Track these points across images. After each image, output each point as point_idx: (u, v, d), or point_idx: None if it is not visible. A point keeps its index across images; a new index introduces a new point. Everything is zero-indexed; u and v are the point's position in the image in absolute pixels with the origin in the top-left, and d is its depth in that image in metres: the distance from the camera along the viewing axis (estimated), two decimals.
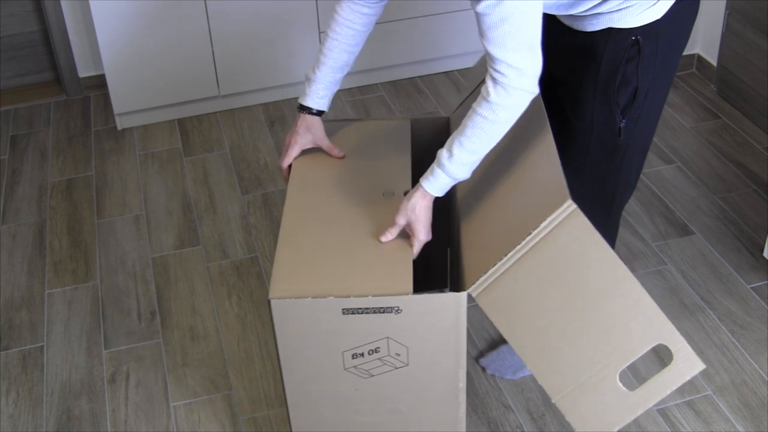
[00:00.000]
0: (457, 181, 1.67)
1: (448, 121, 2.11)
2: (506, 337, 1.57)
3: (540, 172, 1.63)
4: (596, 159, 1.85)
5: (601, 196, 1.93)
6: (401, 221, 1.68)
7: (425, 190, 1.67)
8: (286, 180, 1.93)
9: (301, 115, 1.90)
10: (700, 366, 1.50)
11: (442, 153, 1.64)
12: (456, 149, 1.62)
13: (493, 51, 1.52)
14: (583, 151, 1.83)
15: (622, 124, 1.78)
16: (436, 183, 1.66)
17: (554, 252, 1.50)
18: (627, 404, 1.53)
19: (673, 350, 1.50)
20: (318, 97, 1.88)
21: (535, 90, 1.58)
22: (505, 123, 1.59)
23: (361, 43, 1.85)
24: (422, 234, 1.68)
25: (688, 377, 1.51)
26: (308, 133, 1.92)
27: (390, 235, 1.70)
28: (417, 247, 1.69)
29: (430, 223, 1.70)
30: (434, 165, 1.65)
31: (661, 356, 2.25)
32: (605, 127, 1.80)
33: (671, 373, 1.51)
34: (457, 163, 1.62)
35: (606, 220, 1.99)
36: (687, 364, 1.50)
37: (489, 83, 1.56)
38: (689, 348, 1.50)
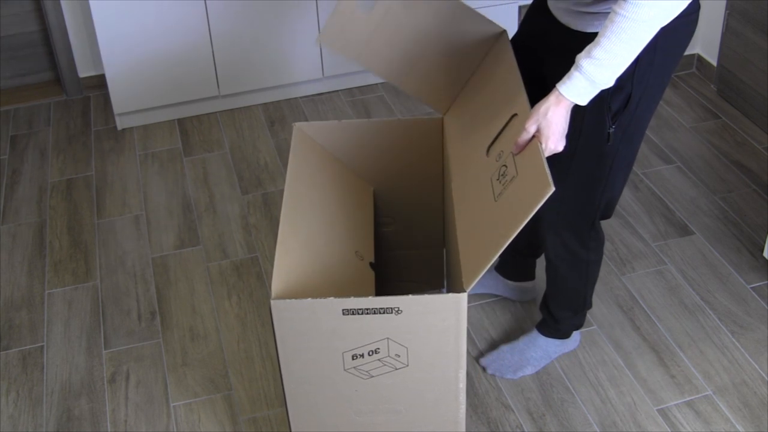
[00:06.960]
0: (597, 88, 1.59)
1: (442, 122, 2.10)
2: None
3: (523, 160, 1.63)
4: (582, 164, 1.84)
5: (586, 203, 1.92)
6: (531, 128, 1.61)
7: (560, 94, 1.60)
8: None
9: None
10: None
11: (580, 55, 1.58)
12: (595, 50, 1.55)
13: None
14: (570, 155, 1.82)
15: (611, 130, 1.78)
16: (573, 87, 1.59)
17: None
18: None
19: None
20: None
21: None
22: (649, 23, 1.52)
23: None
24: (551, 141, 1.61)
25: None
26: None
27: (518, 146, 1.63)
28: (546, 154, 1.61)
29: (564, 131, 1.63)
30: (572, 69, 1.59)
31: (661, 356, 2.26)
32: (594, 131, 1.79)
33: None
34: (596, 64, 1.55)
35: (590, 231, 1.99)
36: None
37: None
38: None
